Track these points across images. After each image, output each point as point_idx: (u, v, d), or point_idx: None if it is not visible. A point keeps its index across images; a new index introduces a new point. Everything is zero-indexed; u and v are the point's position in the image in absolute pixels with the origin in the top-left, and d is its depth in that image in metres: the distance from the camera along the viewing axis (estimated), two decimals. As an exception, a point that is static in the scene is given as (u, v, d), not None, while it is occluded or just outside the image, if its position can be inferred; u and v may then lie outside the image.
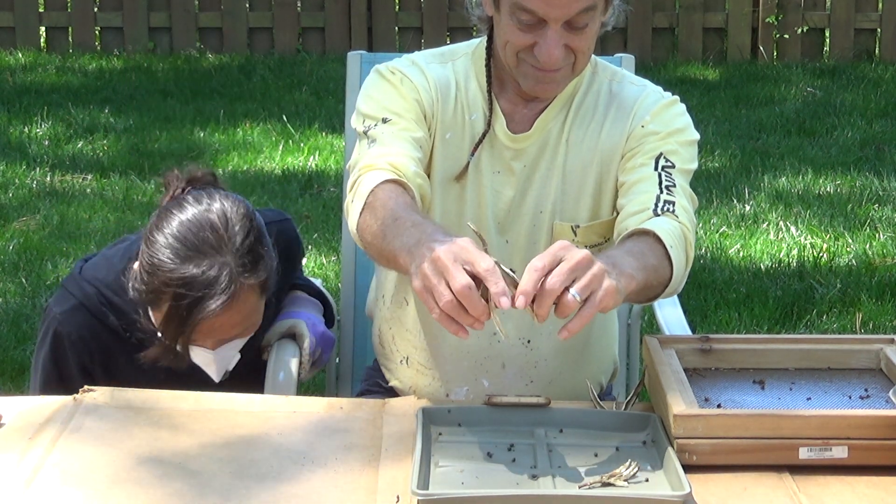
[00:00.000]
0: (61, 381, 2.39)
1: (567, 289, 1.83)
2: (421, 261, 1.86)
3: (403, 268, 1.96)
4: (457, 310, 1.81)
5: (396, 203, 2.08)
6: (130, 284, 2.32)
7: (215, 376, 2.37)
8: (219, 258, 2.26)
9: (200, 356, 2.34)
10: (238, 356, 2.39)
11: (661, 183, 2.24)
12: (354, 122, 2.36)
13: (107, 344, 2.40)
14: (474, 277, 1.81)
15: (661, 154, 2.29)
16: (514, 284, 1.85)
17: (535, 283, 1.82)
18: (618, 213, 2.33)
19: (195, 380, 2.40)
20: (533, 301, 1.83)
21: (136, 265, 2.33)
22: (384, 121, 2.28)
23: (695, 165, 2.34)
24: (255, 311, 2.34)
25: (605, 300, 1.85)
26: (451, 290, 1.81)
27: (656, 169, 2.27)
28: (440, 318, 1.83)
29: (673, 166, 2.28)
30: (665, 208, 2.19)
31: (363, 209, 2.12)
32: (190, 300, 2.24)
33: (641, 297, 2.08)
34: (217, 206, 2.31)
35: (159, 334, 2.32)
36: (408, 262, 1.93)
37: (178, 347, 2.30)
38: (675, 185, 2.25)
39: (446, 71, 2.38)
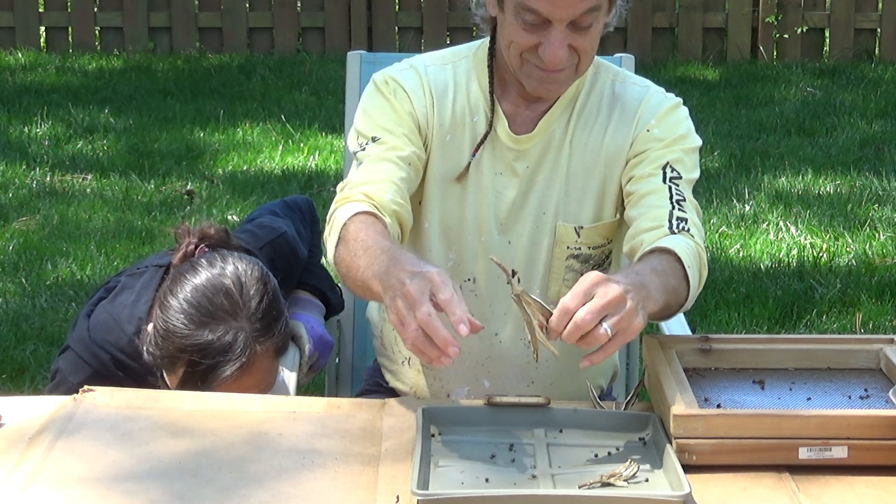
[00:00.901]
0: None
1: (600, 322, 1.88)
2: (393, 293, 1.91)
3: (377, 295, 2.01)
4: (421, 340, 1.86)
5: (367, 233, 2.12)
6: (144, 347, 2.30)
7: None
8: (234, 323, 2.25)
9: None
10: None
11: (671, 197, 2.25)
12: (350, 141, 2.38)
13: None
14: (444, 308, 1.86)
15: (667, 163, 2.30)
16: (543, 312, 1.92)
17: (565, 324, 1.88)
18: (621, 217, 2.34)
19: None
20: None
21: (149, 328, 2.31)
22: (374, 139, 2.31)
23: (697, 173, 2.35)
24: (270, 373, 2.33)
25: (632, 336, 1.93)
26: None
27: (665, 181, 2.28)
28: (412, 349, 1.88)
29: (680, 177, 2.29)
30: (680, 226, 2.21)
31: (338, 243, 2.16)
32: (205, 366, 2.24)
33: (656, 317, 2.13)
34: (231, 270, 2.30)
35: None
36: (380, 290, 1.98)
37: None
38: (684, 199, 2.26)
39: (445, 74, 2.38)
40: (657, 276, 2.06)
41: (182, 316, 2.25)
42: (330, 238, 2.20)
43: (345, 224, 2.16)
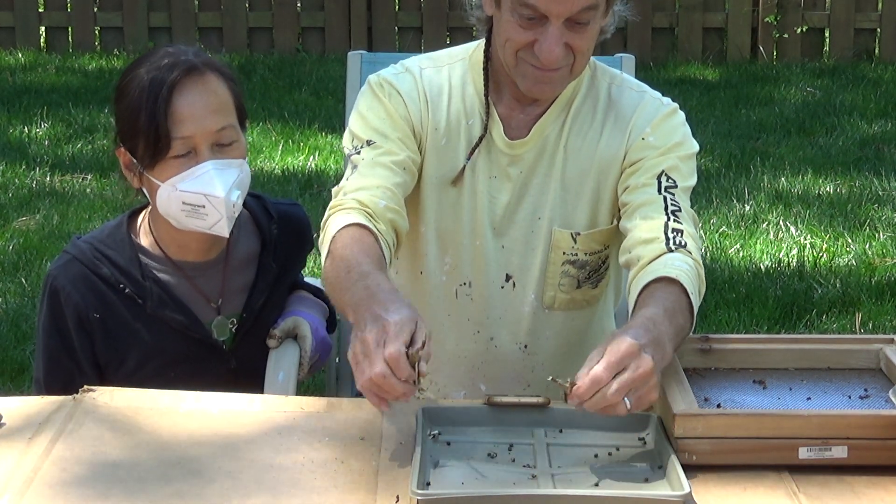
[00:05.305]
0: (61, 338, 2.41)
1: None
2: (358, 331, 1.93)
3: (353, 323, 2.01)
4: (369, 392, 1.90)
5: (352, 252, 2.11)
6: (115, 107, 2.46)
7: (221, 191, 2.34)
8: (182, 54, 2.42)
9: (202, 178, 2.35)
10: (240, 192, 2.39)
11: (666, 208, 2.24)
12: (345, 141, 2.37)
13: (101, 293, 2.42)
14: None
15: (662, 172, 2.29)
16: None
17: (593, 393, 1.87)
18: (618, 223, 2.32)
19: (193, 337, 2.42)
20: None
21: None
22: (368, 143, 2.30)
23: (694, 180, 2.34)
24: (227, 108, 2.43)
25: (644, 407, 1.93)
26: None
27: (660, 191, 2.26)
28: (361, 390, 1.91)
29: (675, 186, 2.28)
30: (677, 241, 2.18)
31: (327, 256, 2.16)
32: (160, 76, 2.38)
33: None
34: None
35: (137, 165, 2.44)
36: (353, 321, 1.99)
37: (163, 154, 2.39)
38: (680, 210, 2.24)
39: (440, 77, 2.38)
40: (669, 321, 2.02)
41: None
42: (322, 247, 2.20)
43: (334, 237, 2.16)
